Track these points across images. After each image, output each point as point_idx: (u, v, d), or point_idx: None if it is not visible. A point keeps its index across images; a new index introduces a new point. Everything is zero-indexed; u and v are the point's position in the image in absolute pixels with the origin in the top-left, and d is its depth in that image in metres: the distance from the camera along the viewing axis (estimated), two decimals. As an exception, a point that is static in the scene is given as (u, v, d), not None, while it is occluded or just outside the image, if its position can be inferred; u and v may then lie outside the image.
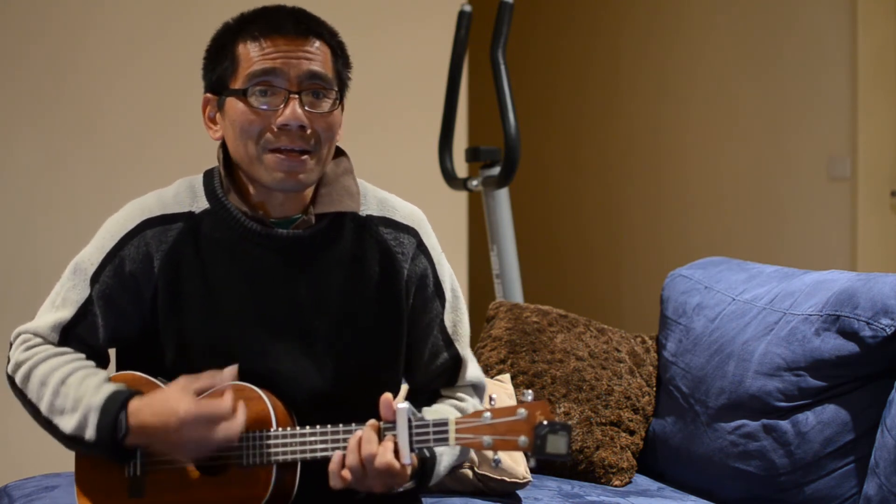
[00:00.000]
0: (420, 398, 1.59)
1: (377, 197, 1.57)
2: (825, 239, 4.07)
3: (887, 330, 1.76)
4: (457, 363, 1.58)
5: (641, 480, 2.14)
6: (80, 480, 1.48)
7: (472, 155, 3.22)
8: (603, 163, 5.27)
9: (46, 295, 1.54)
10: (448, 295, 1.59)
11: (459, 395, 1.58)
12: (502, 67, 3.05)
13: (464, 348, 1.59)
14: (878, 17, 3.95)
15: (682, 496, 2.02)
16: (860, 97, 3.93)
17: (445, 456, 1.48)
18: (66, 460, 1.69)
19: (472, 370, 1.60)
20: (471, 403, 1.57)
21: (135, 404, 1.39)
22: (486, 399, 1.60)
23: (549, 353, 2.19)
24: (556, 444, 1.21)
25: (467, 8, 3.25)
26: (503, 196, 3.17)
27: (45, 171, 3.30)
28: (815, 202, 4.11)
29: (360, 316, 1.51)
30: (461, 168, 3.53)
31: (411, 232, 1.56)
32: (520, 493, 1.95)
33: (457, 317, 1.60)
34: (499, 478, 1.91)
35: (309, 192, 1.51)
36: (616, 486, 2.07)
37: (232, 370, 1.41)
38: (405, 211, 1.57)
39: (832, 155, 4.03)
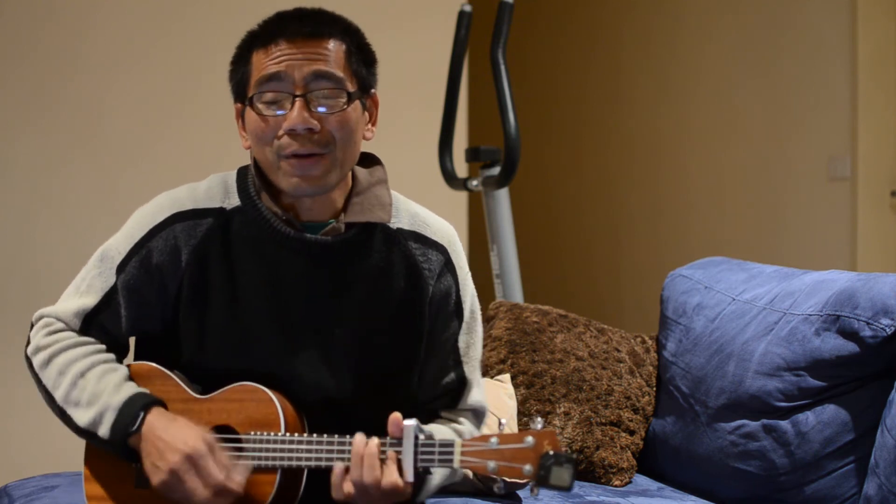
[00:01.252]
0: (419, 415, 1.57)
1: (410, 211, 1.56)
2: (825, 239, 4.07)
3: (887, 330, 1.76)
4: (462, 384, 1.57)
5: (641, 480, 2.14)
6: (88, 466, 1.48)
7: (472, 155, 3.22)
8: (603, 163, 5.27)
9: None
10: (466, 315, 1.57)
11: (460, 419, 1.56)
12: (502, 67, 3.05)
13: (472, 371, 1.58)
14: (878, 17, 3.95)
15: (682, 496, 2.02)
16: (860, 97, 3.93)
17: (437, 474, 1.47)
18: (66, 460, 1.69)
19: (476, 394, 1.58)
20: (467, 429, 1.55)
21: (156, 413, 1.39)
22: (497, 424, 1.59)
23: (549, 353, 2.19)
24: (560, 477, 1.21)
25: (467, 8, 3.25)
26: (503, 196, 3.17)
27: (46, 171, 3.30)
28: (815, 202, 4.12)
29: (380, 328, 1.50)
30: (461, 168, 3.53)
31: (440, 249, 1.54)
32: (520, 493, 1.95)
33: (471, 339, 1.58)
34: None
35: (340, 198, 1.50)
36: (616, 486, 2.08)
37: (246, 469, 1.38)
38: (436, 227, 1.56)
39: (832, 155, 4.03)
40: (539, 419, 1.25)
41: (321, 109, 1.42)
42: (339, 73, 1.43)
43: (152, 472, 1.36)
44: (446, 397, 1.57)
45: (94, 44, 3.37)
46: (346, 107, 1.43)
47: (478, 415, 1.60)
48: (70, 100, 3.34)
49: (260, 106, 1.42)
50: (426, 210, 1.59)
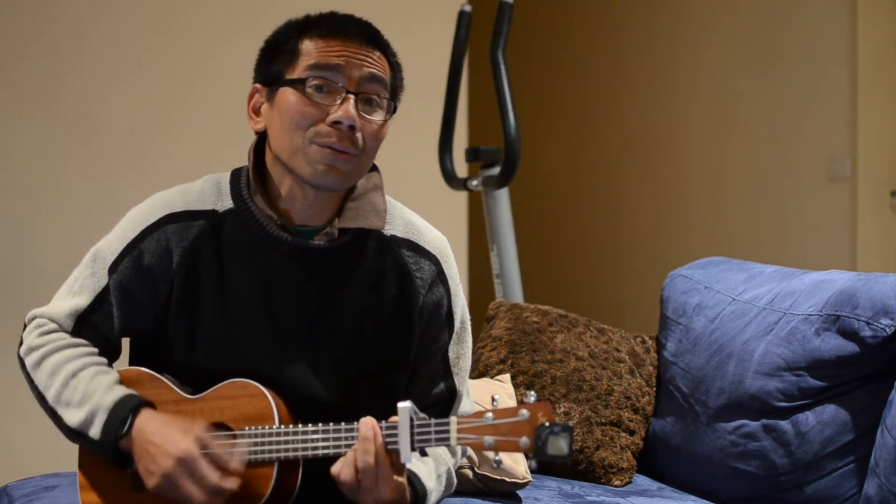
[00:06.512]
0: None
1: (404, 219, 1.56)
2: (825, 239, 4.07)
3: (887, 330, 1.76)
4: (452, 395, 1.58)
5: (641, 480, 2.14)
6: (82, 473, 1.48)
7: (472, 155, 3.22)
8: (603, 162, 5.27)
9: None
10: (457, 326, 1.58)
11: None
12: (502, 67, 3.05)
13: (461, 383, 1.59)
14: (878, 17, 3.95)
15: (682, 496, 2.02)
16: (860, 97, 3.93)
17: (434, 494, 1.48)
18: (66, 460, 1.68)
19: (466, 405, 1.60)
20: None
21: (145, 416, 1.39)
22: (489, 399, 1.60)
23: (549, 353, 2.19)
24: (558, 446, 1.21)
25: (467, 8, 3.25)
26: (503, 196, 3.18)
27: (46, 170, 3.30)
28: (815, 202, 4.12)
29: (370, 335, 1.50)
30: (461, 168, 3.54)
31: (433, 259, 1.55)
32: (520, 493, 1.95)
33: (461, 349, 1.59)
34: (499, 478, 1.91)
35: (335, 203, 1.50)
36: (616, 486, 2.08)
37: (242, 455, 1.38)
38: (430, 237, 1.57)
39: (832, 155, 4.03)
40: (531, 392, 1.25)
41: (364, 115, 1.44)
42: (388, 85, 1.47)
43: (147, 477, 1.36)
44: (437, 407, 1.58)
45: (94, 44, 3.37)
46: (387, 118, 1.47)
47: None
48: (70, 100, 3.34)
49: (308, 90, 1.42)
50: (420, 219, 1.59)
